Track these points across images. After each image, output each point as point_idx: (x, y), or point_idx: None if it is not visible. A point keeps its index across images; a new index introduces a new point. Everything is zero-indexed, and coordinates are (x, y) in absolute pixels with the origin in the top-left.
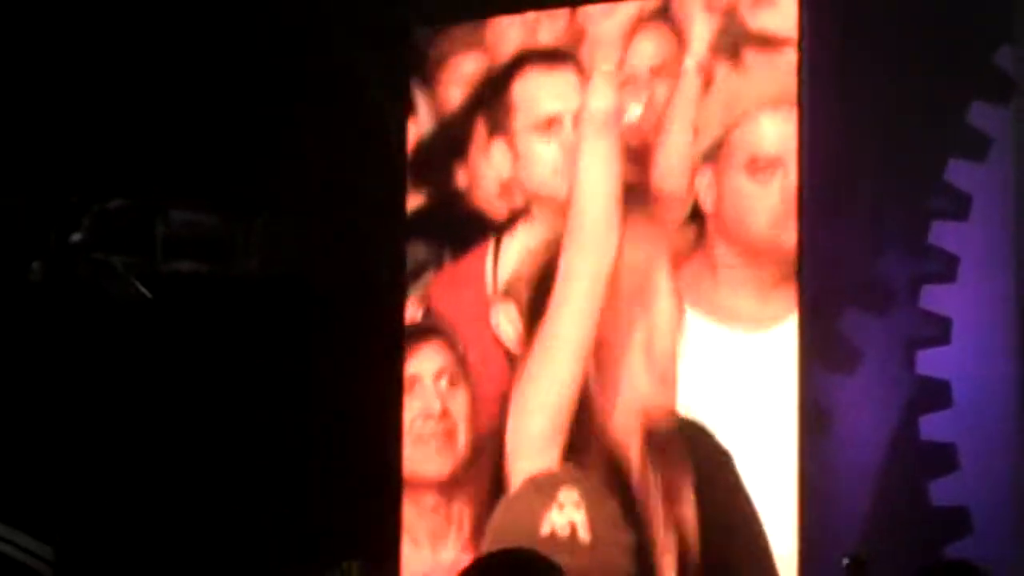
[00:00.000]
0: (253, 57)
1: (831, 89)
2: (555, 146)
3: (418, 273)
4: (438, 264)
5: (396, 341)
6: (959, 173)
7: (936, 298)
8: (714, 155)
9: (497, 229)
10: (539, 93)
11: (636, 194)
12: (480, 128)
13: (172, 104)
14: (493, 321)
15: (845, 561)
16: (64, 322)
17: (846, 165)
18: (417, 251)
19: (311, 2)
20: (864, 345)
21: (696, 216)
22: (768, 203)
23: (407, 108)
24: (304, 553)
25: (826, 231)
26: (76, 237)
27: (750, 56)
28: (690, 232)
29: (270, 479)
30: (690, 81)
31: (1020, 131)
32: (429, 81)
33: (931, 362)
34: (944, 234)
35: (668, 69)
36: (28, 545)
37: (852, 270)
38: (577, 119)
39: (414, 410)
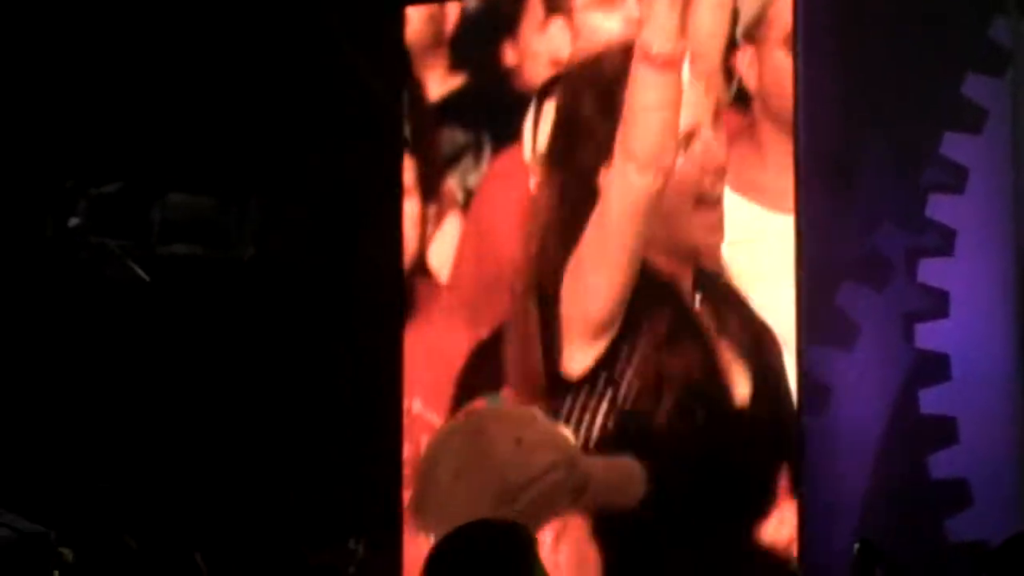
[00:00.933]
0: (246, 41)
1: (826, 65)
2: (617, 19)
3: (456, 158)
4: (477, 148)
5: (394, 322)
6: (955, 146)
7: (934, 272)
8: (754, 33)
9: (540, 93)
10: None
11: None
12: (535, 5)
13: (167, 88)
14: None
15: (856, 545)
16: (62, 305)
17: (842, 140)
18: (455, 135)
19: None
20: (862, 319)
21: (741, 98)
22: None
23: (401, 89)
24: (308, 533)
25: (823, 206)
26: (73, 221)
27: None
28: (736, 114)
29: (269, 461)
30: None
31: (1016, 103)
32: None
33: (930, 336)
34: (941, 207)
35: None
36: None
37: (849, 245)
38: None
39: None
